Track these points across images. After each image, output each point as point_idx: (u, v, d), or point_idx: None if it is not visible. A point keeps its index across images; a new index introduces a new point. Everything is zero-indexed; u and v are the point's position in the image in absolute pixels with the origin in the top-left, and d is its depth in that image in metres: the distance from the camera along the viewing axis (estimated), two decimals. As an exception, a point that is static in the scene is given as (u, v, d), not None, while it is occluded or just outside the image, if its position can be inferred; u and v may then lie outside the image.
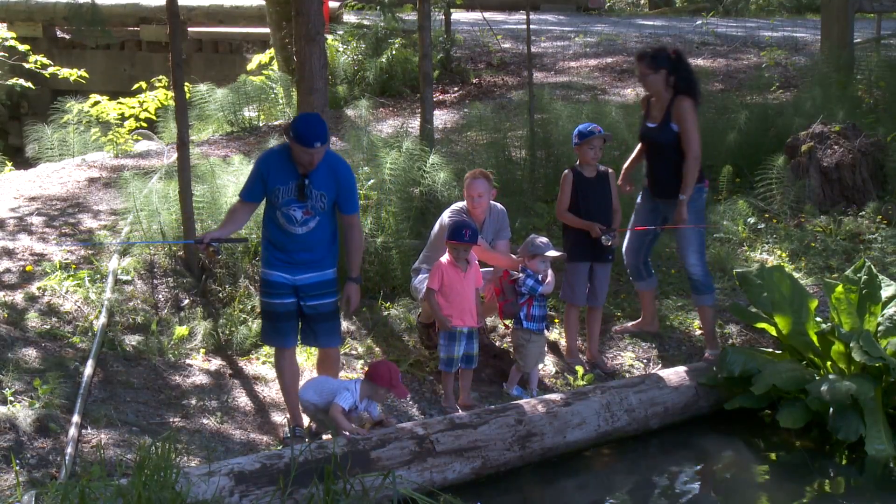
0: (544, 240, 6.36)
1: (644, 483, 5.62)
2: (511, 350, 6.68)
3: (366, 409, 5.38)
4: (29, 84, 12.55)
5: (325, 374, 5.71)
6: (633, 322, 7.11)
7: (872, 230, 8.33)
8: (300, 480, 4.71)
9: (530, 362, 6.30)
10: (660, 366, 6.74)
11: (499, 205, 6.67)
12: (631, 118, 9.87)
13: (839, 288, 6.20)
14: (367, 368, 5.45)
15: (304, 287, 5.55)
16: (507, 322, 6.67)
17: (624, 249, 6.92)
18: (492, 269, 6.61)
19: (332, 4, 15.20)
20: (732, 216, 8.53)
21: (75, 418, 5.39)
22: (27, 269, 7.06)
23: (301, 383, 5.71)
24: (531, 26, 9.81)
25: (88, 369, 5.92)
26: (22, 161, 11.64)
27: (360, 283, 5.70)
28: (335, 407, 5.25)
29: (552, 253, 6.31)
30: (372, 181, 7.66)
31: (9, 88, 13.10)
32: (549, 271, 6.35)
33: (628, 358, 6.85)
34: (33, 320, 6.45)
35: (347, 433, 5.15)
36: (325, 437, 5.42)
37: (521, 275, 6.29)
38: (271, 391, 6.18)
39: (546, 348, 6.54)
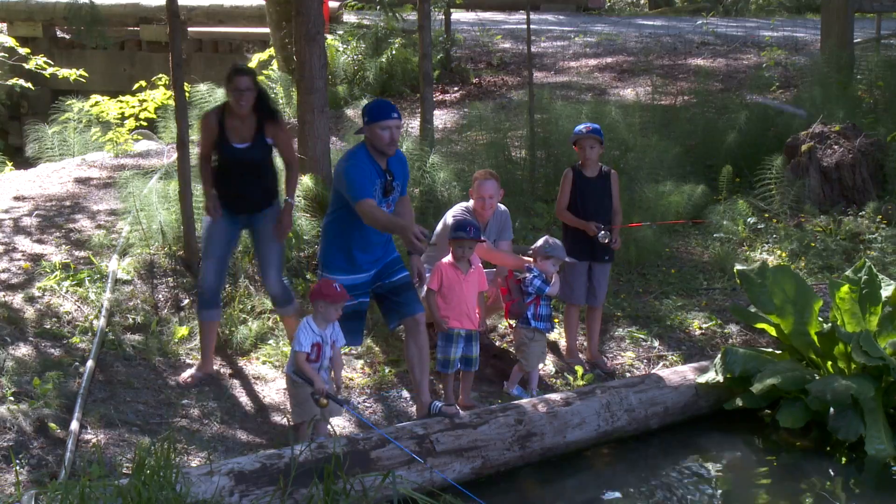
0: (559, 243, 6.36)
1: (644, 483, 5.61)
2: (511, 350, 6.68)
3: (332, 337, 5.31)
4: (29, 84, 12.55)
5: (418, 347, 5.71)
6: None
7: (872, 230, 8.34)
8: (300, 480, 4.71)
9: (533, 361, 6.30)
10: (660, 366, 6.74)
11: (501, 205, 6.68)
12: (631, 118, 9.89)
13: (845, 287, 6.19)
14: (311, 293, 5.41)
15: (381, 271, 5.76)
16: (512, 322, 6.67)
17: (207, 273, 6.22)
18: (494, 269, 6.62)
19: (332, 4, 15.20)
20: (732, 216, 8.54)
21: (75, 418, 5.38)
22: (26, 268, 7.06)
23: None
24: (531, 26, 9.81)
25: (88, 369, 5.92)
26: (22, 161, 11.65)
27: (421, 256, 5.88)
28: (298, 355, 5.18)
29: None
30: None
31: (9, 88, 13.10)
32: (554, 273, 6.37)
33: (628, 358, 6.85)
34: (33, 320, 6.45)
35: (316, 385, 5.10)
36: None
37: (527, 275, 6.29)
38: (271, 391, 6.18)
39: (547, 348, 6.54)
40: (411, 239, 5.43)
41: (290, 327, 6.26)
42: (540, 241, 6.37)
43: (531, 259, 6.39)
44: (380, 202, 5.60)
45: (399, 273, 5.81)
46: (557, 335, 6.97)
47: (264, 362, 6.48)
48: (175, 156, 7.55)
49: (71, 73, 12.30)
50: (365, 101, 10.62)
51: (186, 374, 6.19)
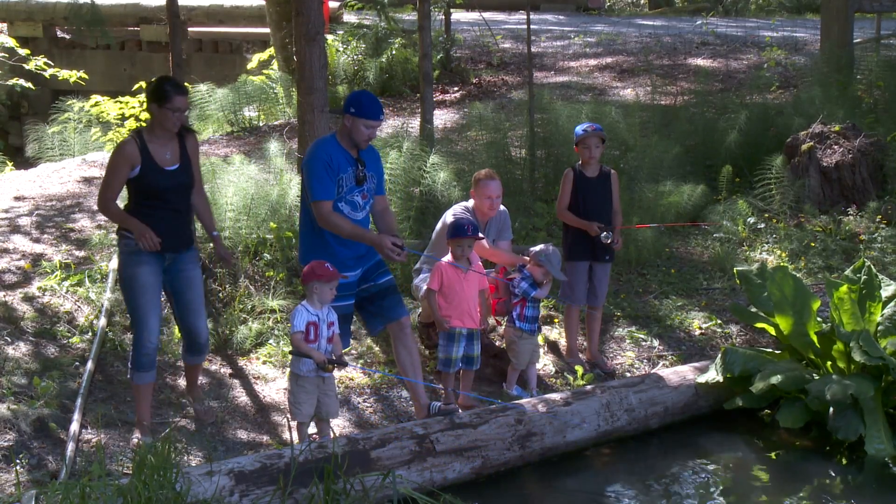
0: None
1: (644, 483, 5.61)
2: (511, 350, 6.69)
3: (328, 317, 5.30)
4: (29, 84, 12.56)
5: (407, 351, 5.69)
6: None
7: (872, 230, 8.34)
8: (300, 480, 4.71)
9: (522, 360, 6.30)
10: (660, 366, 6.74)
11: (501, 206, 6.68)
12: (631, 118, 9.89)
13: (843, 288, 6.18)
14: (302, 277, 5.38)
15: (367, 271, 5.68)
16: (500, 319, 6.68)
17: (150, 332, 5.36)
18: (495, 269, 6.62)
19: (332, 4, 15.21)
20: (732, 216, 8.54)
21: (75, 418, 5.39)
22: (26, 268, 7.06)
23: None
24: (531, 26, 9.81)
25: (88, 369, 5.93)
26: (22, 161, 11.67)
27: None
28: (294, 335, 5.20)
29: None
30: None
31: (9, 88, 13.10)
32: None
33: (628, 358, 6.85)
34: (33, 320, 6.45)
35: (315, 357, 5.14)
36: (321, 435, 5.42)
37: (516, 275, 6.29)
38: (271, 391, 6.18)
39: (539, 347, 6.53)
40: (387, 253, 5.36)
41: (195, 376, 5.90)
42: (539, 247, 6.34)
43: (528, 258, 6.38)
44: (351, 191, 5.51)
45: (384, 276, 5.75)
46: (557, 335, 6.97)
47: (264, 362, 6.48)
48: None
49: (71, 75, 12.31)
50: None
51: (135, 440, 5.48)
